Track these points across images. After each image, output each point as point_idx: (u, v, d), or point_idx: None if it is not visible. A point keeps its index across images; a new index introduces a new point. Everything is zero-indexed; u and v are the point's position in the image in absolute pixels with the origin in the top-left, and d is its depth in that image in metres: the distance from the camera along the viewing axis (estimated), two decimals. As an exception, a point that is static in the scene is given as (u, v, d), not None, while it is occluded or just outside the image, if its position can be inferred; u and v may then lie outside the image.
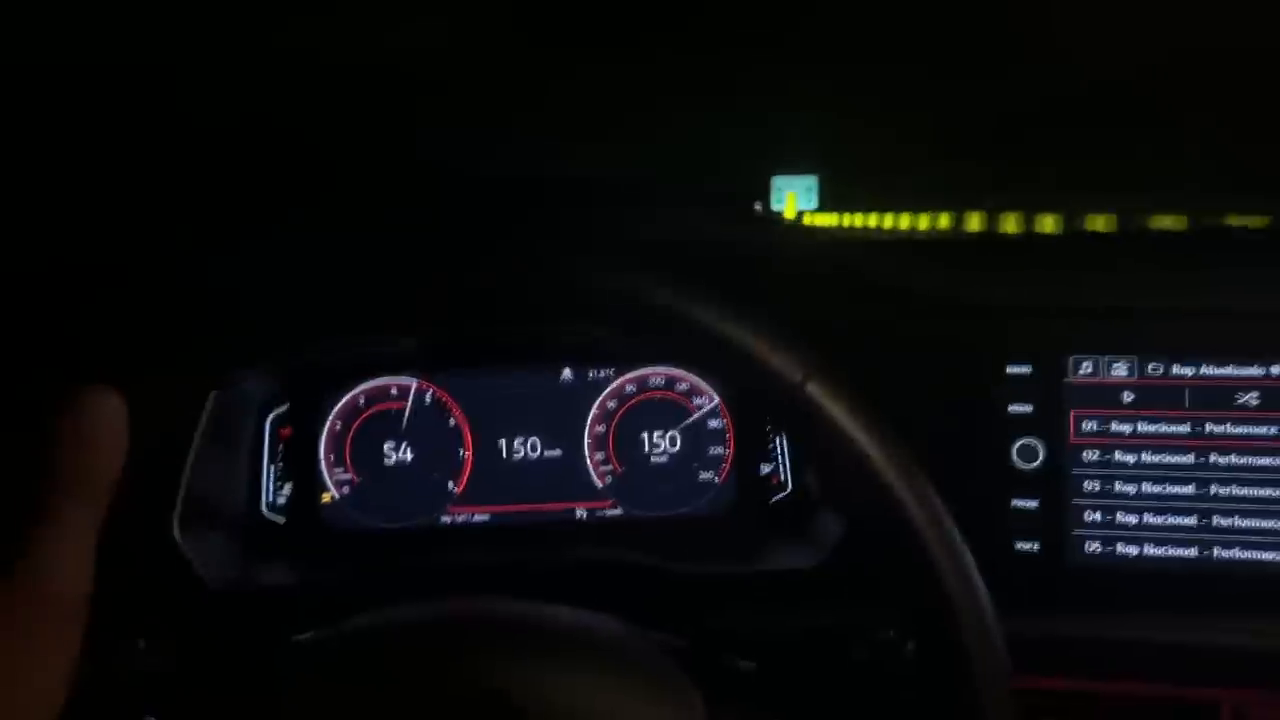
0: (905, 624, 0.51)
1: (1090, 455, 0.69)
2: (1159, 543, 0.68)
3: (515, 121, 0.64)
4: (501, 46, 0.52)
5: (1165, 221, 0.79)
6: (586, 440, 0.82)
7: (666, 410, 0.83)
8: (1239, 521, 0.67)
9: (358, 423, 0.81)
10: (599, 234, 0.59)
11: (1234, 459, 0.68)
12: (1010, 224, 0.83)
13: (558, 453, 0.82)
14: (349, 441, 0.81)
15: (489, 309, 0.51)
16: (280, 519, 0.80)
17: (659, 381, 0.83)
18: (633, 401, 0.83)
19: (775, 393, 0.46)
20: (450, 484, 0.82)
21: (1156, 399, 0.69)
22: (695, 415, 0.82)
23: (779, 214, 0.75)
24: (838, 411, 0.46)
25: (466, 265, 0.50)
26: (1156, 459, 0.69)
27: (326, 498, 0.81)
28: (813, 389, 0.46)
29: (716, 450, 0.82)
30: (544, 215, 0.58)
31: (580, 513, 0.82)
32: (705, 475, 0.82)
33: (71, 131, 0.65)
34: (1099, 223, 0.81)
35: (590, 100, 0.60)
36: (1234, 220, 0.77)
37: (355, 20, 0.47)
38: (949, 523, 0.46)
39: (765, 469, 0.82)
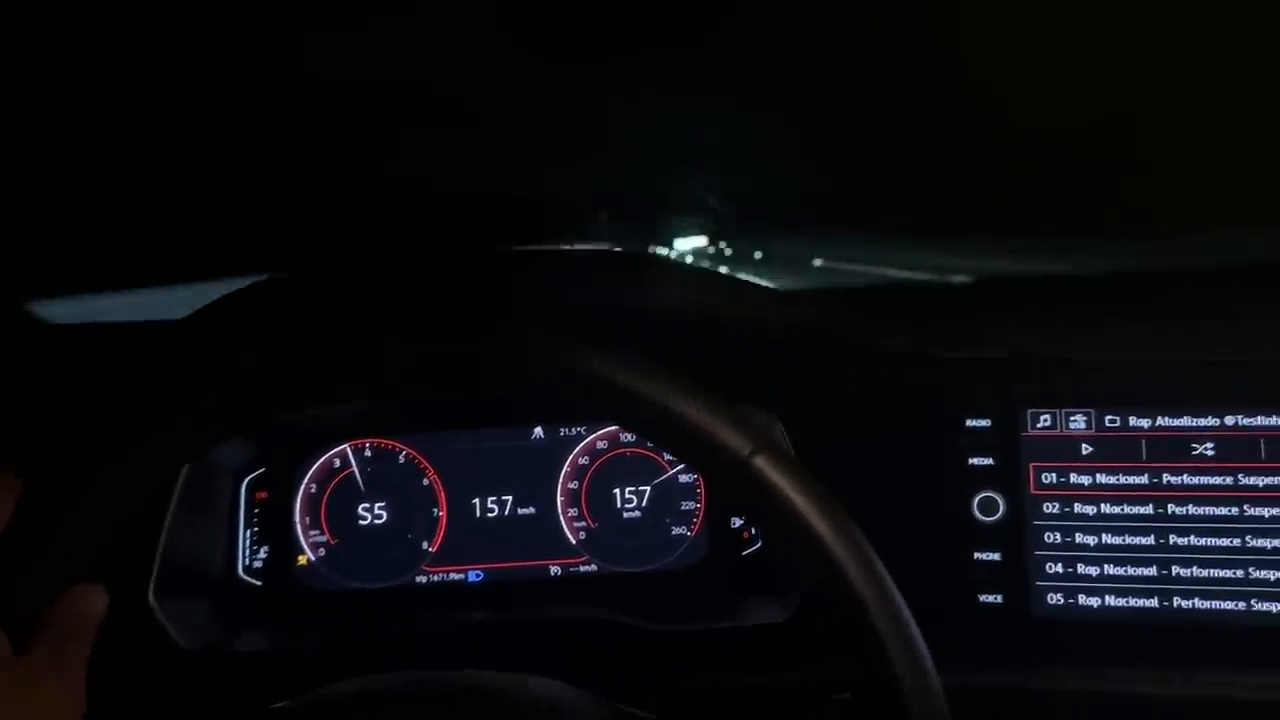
0: (855, 687, 0.52)
1: (1050, 507, 0.70)
2: (1120, 593, 0.69)
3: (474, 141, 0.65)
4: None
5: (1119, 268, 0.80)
6: (559, 497, 0.83)
7: (638, 466, 0.84)
8: (1198, 571, 0.68)
9: (332, 485, 0.82)
10: (547, 298, 0.61)
11: (1192, 509, 0.68)
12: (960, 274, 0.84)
13: (531, 510, 0.83)
14: (324, 504, 0.82)
15: (445, 379, 0.52)
16: (257, 582, 0.81)
17: (630, 438, 0.84)
18: (604, 458, 0.84)
19: (723, 467, 0.47)
20: (425, 543, 0.82)
21: (1114, 451, 0.70)
22: (668, 473, 0.83)
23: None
24: (785, 485, 0.47)
25: (425, 339, 0.51)
26: (1116, 510, 0.70)
27: (302, 560, 0.82)
28: (760, 462, 0.47)
29: (688, 505, 0.83)
30: (497, 281, 0.59)
31: (554, 569, 0.83)
32: (677, 530, 0.83)
33: (33, 184, 0.66)
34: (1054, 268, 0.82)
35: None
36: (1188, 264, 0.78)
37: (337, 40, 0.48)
38: (894, 593, 0.46)
39: (736, 523, 0.83)
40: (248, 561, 0.81)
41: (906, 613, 0.46)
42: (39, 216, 0.75)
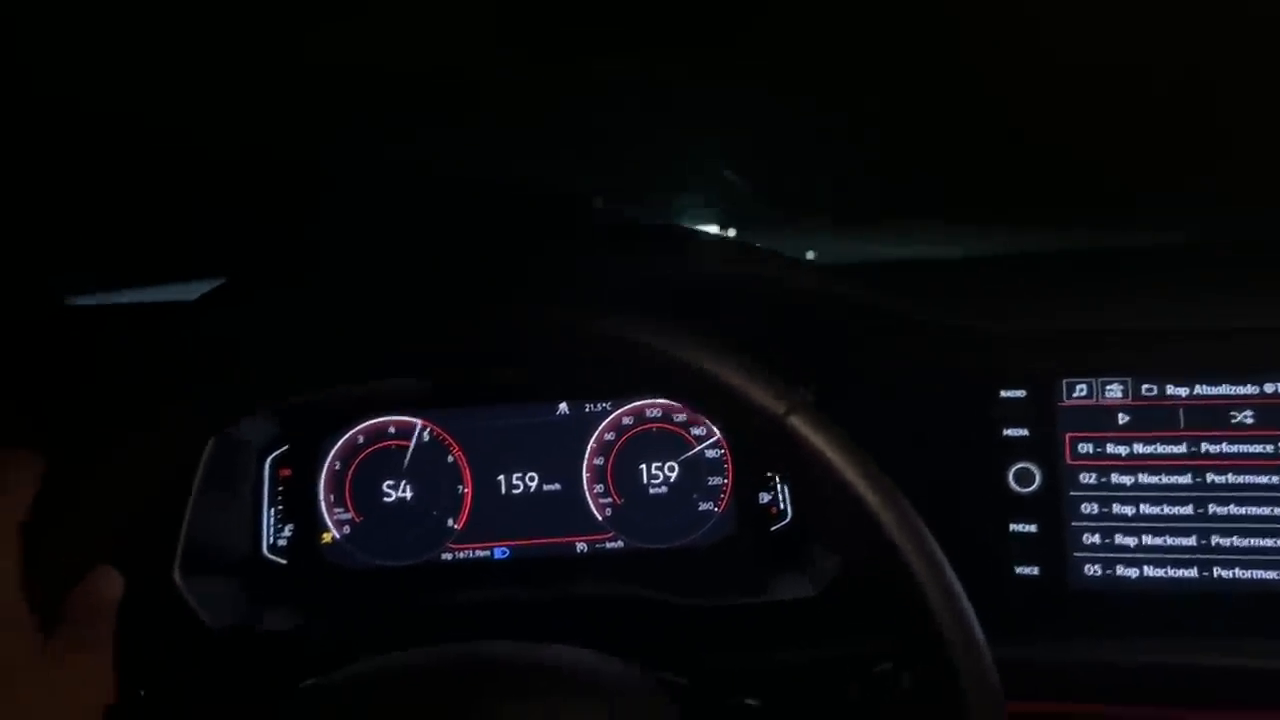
0: (900, 656, 0.51)
1: (1087, 478, 0.69)
2: (1159, 564, 0.68)
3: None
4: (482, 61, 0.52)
5: (1153, 240, 0.79)
6: (585, 473, 0.83)
7: (664, 441, 0.83)
8: (1238, 541, 0.67)
9: (356, 462, 0.82)
10: (584, 272, 0.60)
11: (1231, 478, 0.68)
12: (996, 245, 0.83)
13: (557, 487, 0.83)
14: (348, 481, 0.81)
15: (477, 353, 0.52)
16: (282, 560, 0.81)
17: (656, 413, 0.83)
18: (630, 433, 0.83)
19: (760, 427, 0.47)
20: (450, 521, 0.82)
21: (1152, 420, 0.69)
22: (695, 448, 0.82)
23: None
24: (822, 444, 0.46)
25: (459, 314, 0.50)
26: (1153, 480, 0.69)
27: (327, 538, 0.81)
28: (796, 421, 0.46)
29: (715, 480, 0.83)
30: (527, 254, 0.58)
31: (581, 546, 0.82)
32: (705, 505, 0.82)
33: (52, 168, 0.65)
34: (1086, 243, 0.81)
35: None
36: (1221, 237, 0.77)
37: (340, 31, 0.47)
38: (939, 553, 0.45)
39: (764, 498, 0.82)
40: (272, 540, 0.81)
41: (952, 573, 0.45)
42: (67, 209, 0.75)
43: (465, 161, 0.71)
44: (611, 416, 0.83)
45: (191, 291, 0.67)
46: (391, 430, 0.82)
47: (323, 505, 0.81)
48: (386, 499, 0.82)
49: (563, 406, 0.83)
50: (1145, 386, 0.69)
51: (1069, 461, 0.70)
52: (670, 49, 0.50)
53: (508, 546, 0.82)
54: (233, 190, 0.74)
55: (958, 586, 0.45)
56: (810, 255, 0.91)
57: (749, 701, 0.63)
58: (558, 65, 0.52)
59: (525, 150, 0.70)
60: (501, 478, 0.82)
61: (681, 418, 0.83)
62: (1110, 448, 0.69)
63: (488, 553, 0.82)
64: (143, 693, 0.66)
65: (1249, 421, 0.68)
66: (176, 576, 0.70)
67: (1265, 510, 0.67)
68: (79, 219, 0.77)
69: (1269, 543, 0.67)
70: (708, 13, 0.46)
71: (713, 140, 0.67)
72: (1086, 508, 0.69)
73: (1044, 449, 0.70)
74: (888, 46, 0.51)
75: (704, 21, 0.47)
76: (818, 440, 0.46)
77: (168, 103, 0.57)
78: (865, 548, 0.46)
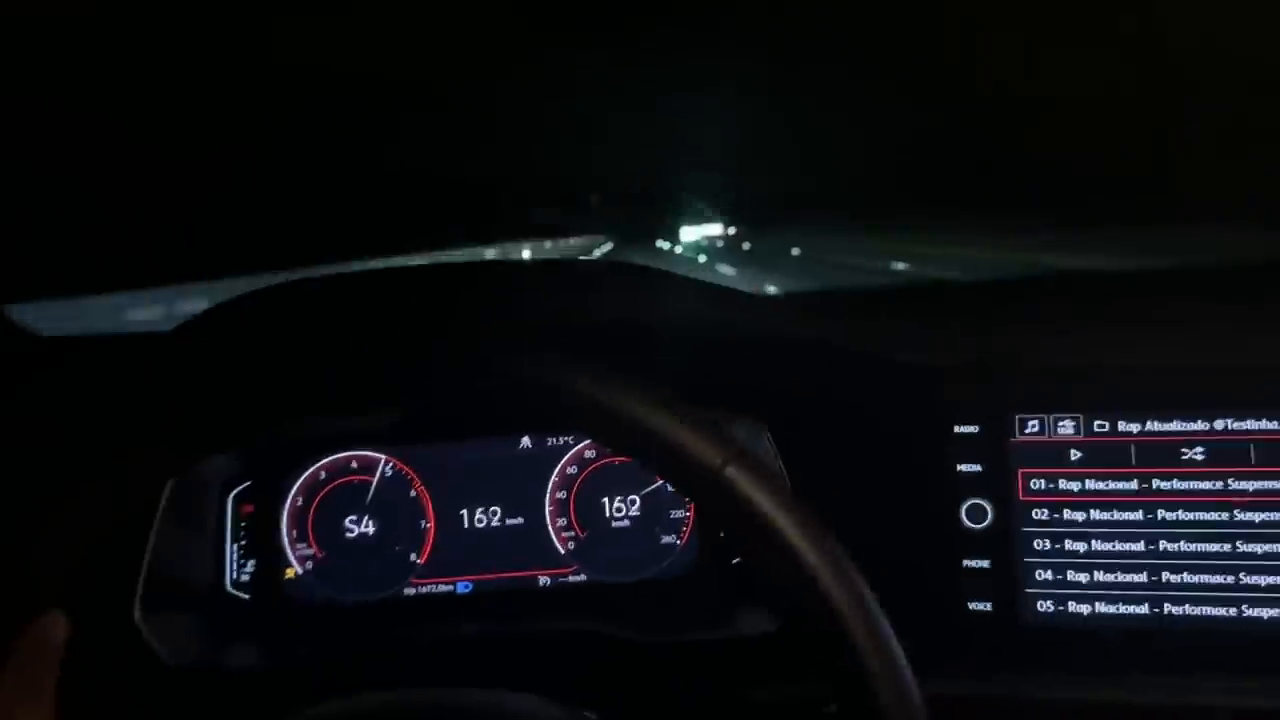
0: (838, 700, 0.51)
1: (1040, 514, 0.70)
2: (1111, 600, 0.69)
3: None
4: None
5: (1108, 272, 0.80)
6: (548, 507, 0.83)
7: (627, 475, 0.83)
8: (1189, 577, 0.67)
9: (319, 497, 0.82)
10: (521, 316, 0.60)
11: (1181, 514, 0.68)
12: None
13: (520, 520, 0.83)
14: (311, 516, 0.82)
15: (416, 394, 0.52)
16: (245, 596, 0.81)
17: (614, 454, 0.83)
18: (592, 467, 0.83)
19: (694, 479, 0.47)
20: (413, 555, 0.82)
21: (1103, 456, 0.69)
22: (657, 482, 0.83)
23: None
24: (757, 495, 0.46)
25: (395, 354, 0.51)
26: (1105, 515, 0.69)
27: (290, 573, 0.81)
28: (731, 473, 0.46)
29: (677, 513, 0.83)
30: (472, 297, 0.59)
31: (544, 580, 0.82)
32: (667, 539, 0.83)
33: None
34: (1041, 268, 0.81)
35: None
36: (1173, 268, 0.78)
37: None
38: (879, 618, 0.46)
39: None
40: (235, 575, 0.81)
41: (884, 624, 0.46)
42: (17, 217, 0.75)
43: (464, 159, 0.71)
44: (574, 450, 0.83)
45: (137, 301, 0.68)
46: (354, 465, 0.82)
47: (285, 541, 0.81)
48: (349, 534, 0.82)
49: (525, 440, 0.83)
50: (1097, 423, 0.70)
51: (1021, 497, 0.70)
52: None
53: (470, 581, 0.82)
54: (188, 195, 0.74)
55: (890, 638, 0.45)
56: (771, 289, 0.91)
57: None
58: (557, 59, 0.52)
59: (524, 146, 0.70)
60: (464, 512, 0.83)
61: (643, 451, 0.83)
62: (1063, 483, 0.70)
63: (450, 587, 0.82)
64: (98, 733, 0.66)
65: (1199, 458, 0.68)
66: (137, 614, 0.70)
67: (1215, 547, 0.67)
68: (30, 223, 0.77)
69: (1219, 579, 0.67)
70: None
71: (702, 137, 0.67)
72: (1039, 544, 0.70)
73: (997, 484, 0.70)
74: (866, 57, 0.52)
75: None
76: (752, 492, 0.46)
77: (132, 105, 0.57)
78: (799, 601, 0.46)
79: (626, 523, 0.83)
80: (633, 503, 0.83)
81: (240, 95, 0.56)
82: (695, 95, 0.58)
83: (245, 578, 0.81)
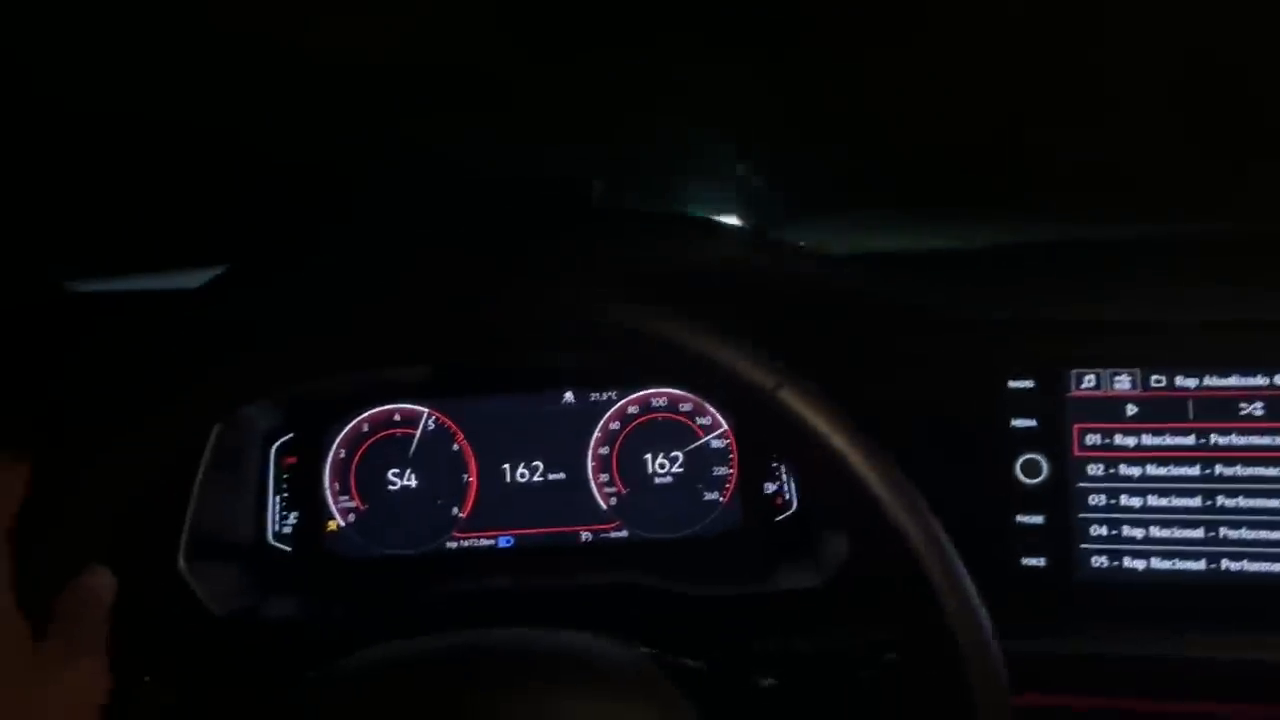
0: (907, 644, 0.51)
1: (1095, 469, 0.69)
2: (1166, 556, 0.68)
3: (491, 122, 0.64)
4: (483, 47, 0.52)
5: (1166, 231, 0.78)
6: (590, 463, 0.82)
7: (669, 431, 0.83)
8: (1247, 533, 0.67)
9: (361, 450, 0.81)
10: (584, 258, 0.60)
11: (1240, 470, 0.67)
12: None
13: (562, 476, 0.82)
14: (353, 469, 0.81)
15: (473, 339, 0.51)
16: (287, 549, 0.80)
17: (661, 403, 0.83)
18: (635, 423, 0.83)
19: (751, 403, 0.46)
20: (455, 509, 0.82)
21: (1160, 411, 0.68)
22: (701, 439, 0.82)
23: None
24: (812, 417, 0.46)
25: (461, 300, 0.50)
26: (1162, 471, 0.68)
27: (332, 526, 0.81)
28: (785, 395, 0.46)
29: (720, 470, 0.82)
30: (526, 240, 0.58)
31: (585, 535, 0.82)
32: (710, 495, 0.82)
33: (55, 152, 0.65)
34: (1098, 233, 0.80)
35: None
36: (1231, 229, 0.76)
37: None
38: (938, 528, 0.45)
39: (770, 488, 0.82)
40: (277, 528, 0.80)
41: (951, 547, 0.45)
42: (68, 194, 0.74)
43: (474, 157, 0.71)
44: (617, 406, 0.83)
45: (193, 280, 0.67)
46: (396, 418, 0.82)
47: (328, 493, 0.81)
48: (391, 487, 0.81)
49: (568, 395, 0.83)
50: (1154, 378, 0.69)
51: (1076, 453, 0.69)
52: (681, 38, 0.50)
53: (512, 535, 0.82)
54: (237, 181, 0.74)
55: (964, 573, 0.45)
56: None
57: (764, 682, 0.63)
58: (565, 55, 0.52)
59: (538, 144, 0.69)
60: (506, 466, 0.82)
61: (687, 407, 0.83)
62: (1118, 439, 0.69)
63: (492, 542, 0.82)
64: (147, 679, 0.66)
65: (1258, 413, 0.67)
66: (181, 564, 0.70)
67: (1274, 503, 0.66)
68: (81, 205, 0.76)
69: (1277, 535, 0.66)
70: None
71: (725, 131, 0.67)
72: (1094, 499, 0.69)
73: (1052, 440, 0.70)
74: (900, 35, 0.51)
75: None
76: (807, 412, 0.46)
77: (176, 98, 0.57)
78: (864, 526, 0.45)
79: (669, 479, 0.83)
80: (675, 459, 0.83)
81: (298, 81, 0.55)
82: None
83: (287, 530, 0.81)
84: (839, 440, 0.45)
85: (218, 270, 0.66)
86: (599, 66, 0.54)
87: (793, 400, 0.46)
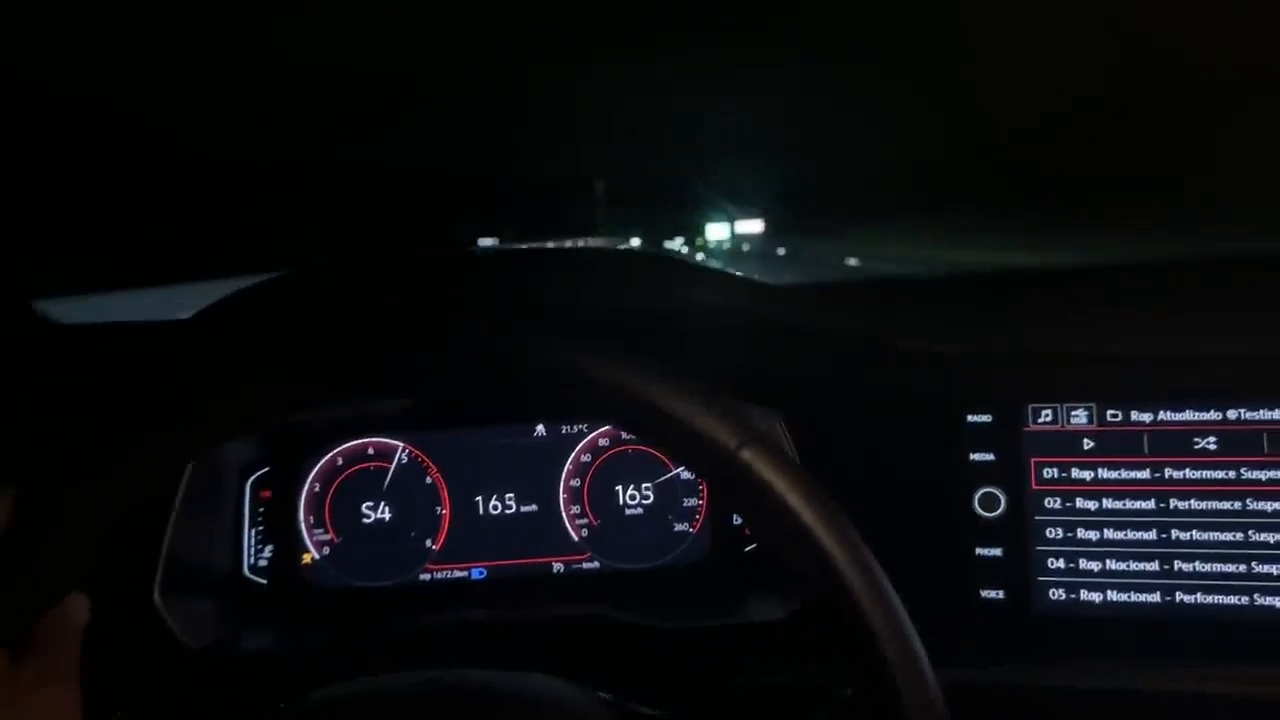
0: (856, 686, 0.52)
1: (1052, 502, 0.70)
2: (1123, 589, 0.69)
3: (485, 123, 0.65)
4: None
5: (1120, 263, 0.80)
6: (562, 494, 0.83)
7: (640, 463, 0.84)
8: (1201, 566, 0.68)
9: (336, 483, 0.83)
10: (548, 301, 0.61)
11: (1193, 503, 0.68)
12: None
13: (534, 508, 0.83)
14: (328, 502, 0.83)
15: (437, 378, 0.52)
16: (262, 581, 0.82)
17: (632, 435, 0.84)
18: (607, 455, 0.84)
19: (711, 460, 0.47)
20: (428, 541, 0.83)
21: (1116, 445, 0.70)
22: (671, 470, 0.83)
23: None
24: (773, 477, 0.47)
25: (424, 340, 0.51)
26: (1118, 505, 0.69)
27: (307, 558, 0.82)
28: (748, 455, 0.47)
29: (690, 501, 0.83)
30: (493, 284, 0.59)
31: (557, 566, 0.83)
32: (680, 526, 0.83)
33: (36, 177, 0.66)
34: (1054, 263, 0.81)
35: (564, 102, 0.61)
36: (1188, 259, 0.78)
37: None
38: (891, 595, 0.46)
39: (739, 520, 0.83)
40: (253, 560, 0.82)
41: (898, 605, 0.46)
42: (45, 215, 0.76)
43: (484, 155, 0.72)
44: (588, 438, 0.84)
45: (167, 297, 0.68)
46: (371, 452, 0.83)
47: (303, 526, 0.82)
48: (365, 520, 0.83)
49: (540, 428, 0.84)
50: (1110, 412, 0.70)
51: (1034, 486, 0.70)
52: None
53: (485, 567, 0.83)
54: (219, 193, 0.75)
55: (904, 618, 0.46)
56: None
57: None
58: (578, 53, 0.53)
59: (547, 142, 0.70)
60: (479, 498, 0.83)
61: (657, 440, 0.84)
62: (1075, 472, 0.70)
63: (465, 573, 0.83)
64: (119, 714, 0.67)
65: (1212, 447, 0.68)
66: (156, 597, 0.71)
67: (1228, 536, 0.67)
68: (49, 221, 0.77)
69: (1231, 568, 0.67)
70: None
71: (721, 131, 0.68)
72: (1051, 532, 0.70)
73: (1009, 474, 0.71)
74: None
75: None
76: (768, 473, 0.47)
77: (161, 103, 0.58)
78: (815, 582, 0.46)
79: (640, 510, 0.84)
80: (646, 491, 0.84)
81: (278, 91, 0.56)
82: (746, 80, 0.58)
83: (263, 563, 0.82)
84: (796, 503, 0.46)
85: (188, 288, 0.67)
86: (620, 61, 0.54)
87: (754, 460, 0.46)
